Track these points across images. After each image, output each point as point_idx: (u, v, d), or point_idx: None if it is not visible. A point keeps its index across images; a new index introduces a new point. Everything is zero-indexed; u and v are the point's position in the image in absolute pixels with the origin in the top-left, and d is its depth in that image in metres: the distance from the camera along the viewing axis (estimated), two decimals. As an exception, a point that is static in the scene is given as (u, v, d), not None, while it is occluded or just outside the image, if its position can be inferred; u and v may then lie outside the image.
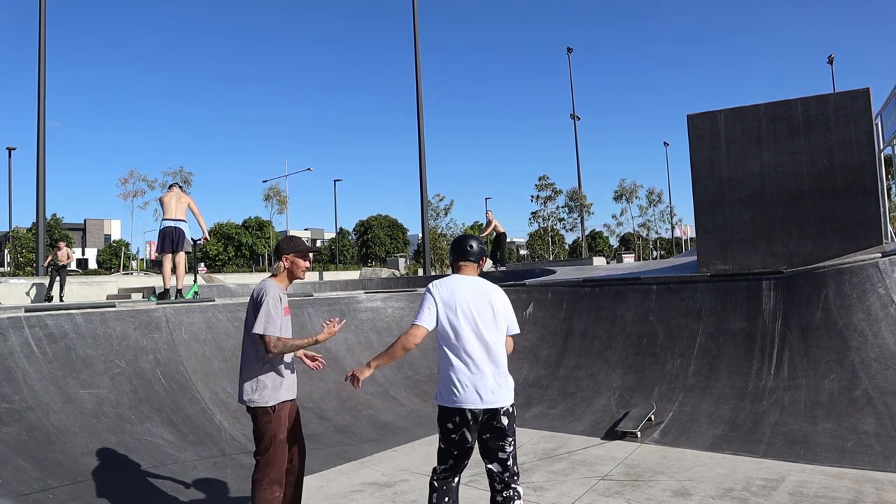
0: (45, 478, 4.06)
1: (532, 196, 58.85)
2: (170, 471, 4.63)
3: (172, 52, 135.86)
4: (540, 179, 58.39)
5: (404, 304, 8.47)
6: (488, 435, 3.07)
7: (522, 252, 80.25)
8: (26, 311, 5.48)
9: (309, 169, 57.18)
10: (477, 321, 3.12)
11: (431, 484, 3.16)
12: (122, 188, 48.58)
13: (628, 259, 46.99)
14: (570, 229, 58.89)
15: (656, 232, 67.67)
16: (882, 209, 7.95)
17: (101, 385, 5.28)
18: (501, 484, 3.09)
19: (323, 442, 5.74)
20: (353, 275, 33.77)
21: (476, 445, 3.12)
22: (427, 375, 7.57)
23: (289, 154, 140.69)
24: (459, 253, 3.38)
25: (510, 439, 3.09)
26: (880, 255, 6.36)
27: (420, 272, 30.81)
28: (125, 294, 15.72)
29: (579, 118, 53.35)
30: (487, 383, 3.05)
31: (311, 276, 34.26)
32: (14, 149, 48.76)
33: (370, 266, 48.67)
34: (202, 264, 65.45)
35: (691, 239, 62.84)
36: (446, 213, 48.54)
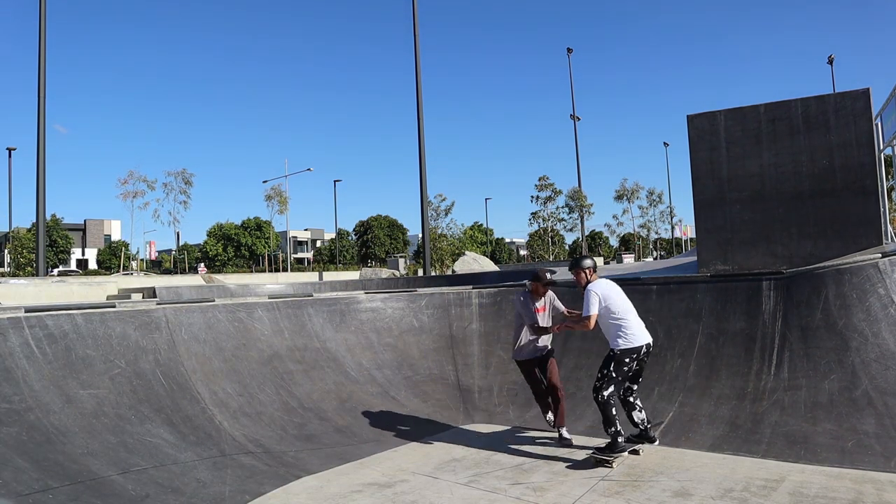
0: (45, 478, 4.06)
1: (532, 196, 58.93)
2: (170, 471, 4.63)
3: (173, 52, 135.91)
4: (540, 180, 58.49)
5: (404, 305, 8.47)
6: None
7: (522, 252, 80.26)
8: (26, 311, 5.48)
9: (309, 169, 57.24)
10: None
11: (609, 402, 4.92)
12: (122, 189, 48.70)
13: (628, 259, 46.99)
14: (570, 229, 58.91)
15: (656, 232, 67.72)
16: (882, 209, 7.94)
17: (101, 385, 5.28)
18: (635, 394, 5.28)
19: (323, 442, 5.74)
20: (353, 275, 33.76)
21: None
22: (426, 376, 7.58)
23: (289, 154, 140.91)
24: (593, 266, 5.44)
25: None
26: (880, 255, 6.36)
27: (420, 272, 30.81)
28: (125, 294, 15.72)
29: (579, 119, 53.40)
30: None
31: (311, 277, 34.26)
32: (14, 149, 48.77)
33: (370, 266, 48.69)
34: (202, 264, 65.51)
35: (691, 239, 62.85)
36: (447, 214, 48.49)
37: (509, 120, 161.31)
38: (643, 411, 5.19)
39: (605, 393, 4.86)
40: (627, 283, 7.86)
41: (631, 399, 5.16)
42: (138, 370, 5.65)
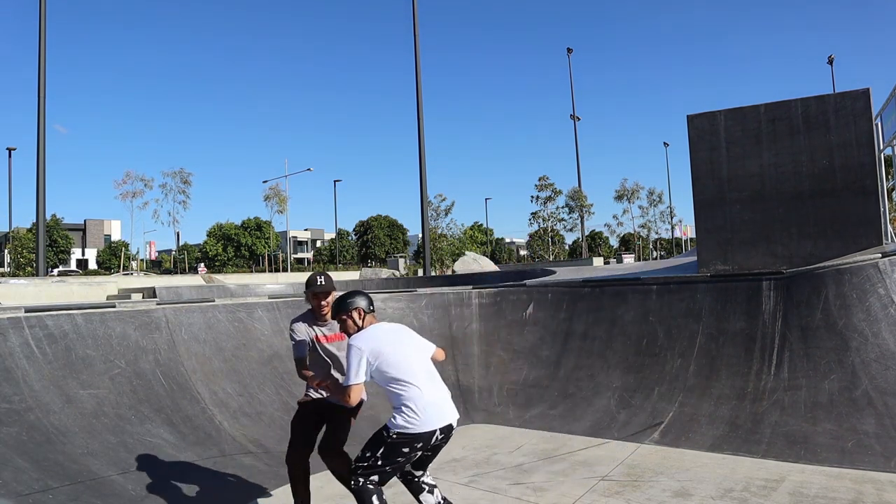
0: (45, 478, 4.06)
1: (532, 196, 58.91)
2: (170, 471, 4.63)
3: (173, 52, 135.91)
4: (540, 180, 58.47)
5: (404, 305, 8.47)
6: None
7: (522, 252, 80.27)
8: (26, 311, 5.48)
9: (309, 169, 57.26)
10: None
11: (366, 489, 3.42)
12: (121, 189, 48.73)
13: (628, 259, 47.00)
14: (570, 229, 58.91)
15: (656, 232, 67.74)
16: (882, 209, 7.94)
17: (101, 385, 5.28)
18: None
19: (323, 442, 5.73)
20: (353, 275, 33.75)
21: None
22: (427, 376, 7.57)
23: (289, 154, 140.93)
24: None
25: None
26: (880, 255, 6.36)
27: (420, 272, 30.81)
28: (125, 294, 15.72)
29: (579, 119, 53.41)
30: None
31: (311, 277, 34.16)
32: (14, 149, 48.80)
33: (370, 266, 48.68)
34: (202, 264, 65.52)
35: (691, 239, 62.86)
36: (447, 214, 48.50)
37: (509, 120, 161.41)
38: (435, 491, 3.56)
39: (362, 480, 3.40)
40: (627, 283, 7.87)
41: (418, 479, 3.56)
42: (138, 370, 5.65)
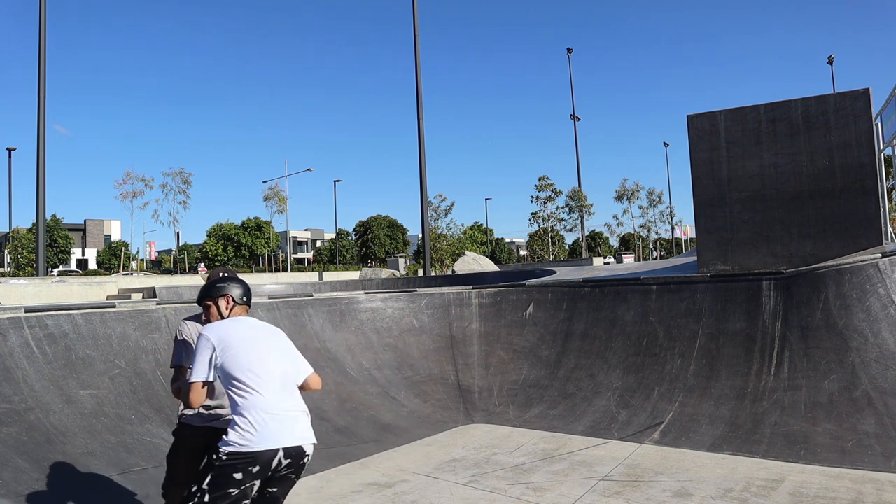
0: (45, 478, 4.06)
1: (532, 196, 58.88)
2: (170, 471, 4.63)
3: (173, 52, 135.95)
4: (540, 180, 58.43)
5: (404, 305, 8.47)
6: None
7: (522, 252, 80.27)
8: (26, 311, 5.48)
9: (309, 169, 57.24)
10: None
11: None
12: (121, 189, 48.74)
13: (628, 259, 47.00)
14: (570, 230, 58.90)
15: (656, 232, 67.74)
16: (882, 209, 7.94)
17: (101, 385, 5.28)
18: None
19: (323, 442, 5.73)
20: (352, 275, 33.76)
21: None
22: (426, 376, 7.57)
23: (289, 154, 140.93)
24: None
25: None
26: (880, 255, 6.36)
27: (420, 272, 30.81)
28: (125, 294, 15.72)
29: (579, 119, 53.40)
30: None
31: (311, 277, 34.27)
32: (14, 149, 48.79)
33: (370, 266, 48.68)
34: (202, 264, 65.52)
35: (691, 239, 62.88)
36: (447, 214, 48.48)
37: (509, 120, 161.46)
38: None
39: None
40: (627, 283, 7.88)
41: None
42: (138, 370, 5.65)
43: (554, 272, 13.17)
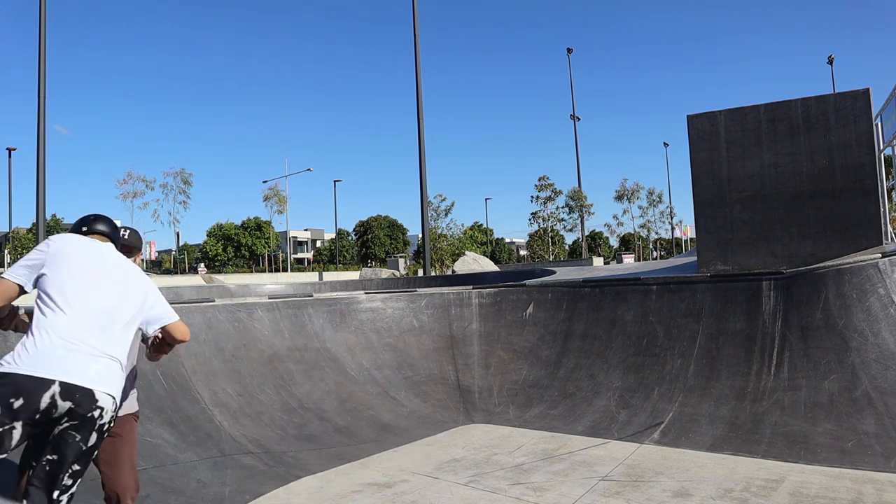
0: (45, 478, 4.06)
1: (532, 196, 58.93)
2: (170, 471, 4.63)
3: (173, 52, 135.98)
4: (540, 180, 58.51)
5: (404, 305, 8.47)
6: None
7: (522, 252, 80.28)
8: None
9: (309, 169, 57.33)
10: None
11: None
12: (121, 189, 48.78)
13: (628, 259, 47.01)
14: (570, 229, 58.93)
15: (656, 232, 67.77)
16: (882, 209, 7.94)
17: (101, 385, 5.28)
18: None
19: (323, 442, 5.74)
20: (353, 275, 33.77)
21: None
22: (427, 376, 7.58)
23: (289, 154, 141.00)
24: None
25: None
26: (880, 255, 6.36)
27: (420, 272, 30.82)
28: (125, 294, 15.70)
29: (579, 119, 53.43)
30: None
31: (311, 277, 34.27)
32: (14, 149, 48.80)
33: (370, 266, 48.69)
34: (202, 264, 65.57)
35: (691, 239, 62.89)
36: (447, 214, 48.51)
37: (509, 120, 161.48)
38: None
39: None
40: (627, 283, 7.88)
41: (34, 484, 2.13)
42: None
43: (554, 272, 13.17)
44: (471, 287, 8.96)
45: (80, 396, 2.05)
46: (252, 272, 56.50)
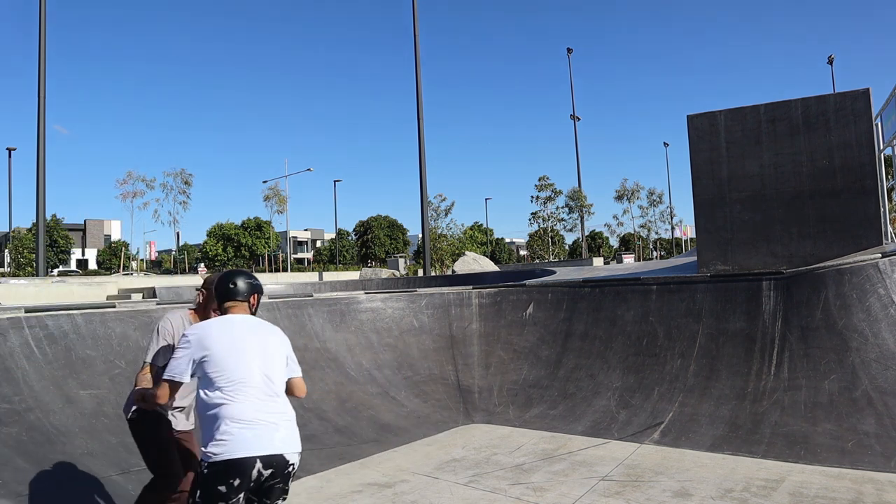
0: (46, 478, 4.06)
1: (532, 196, 58.87)
2: (170, 471, 4.63)
3: (173, 52, 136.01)
4: (540, 180, 58.42)
5: (404, 305, 8.47)
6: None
7: (522, 252, 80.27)
8: (26, 311, 5.48)
9: (309, 169, 57.24)
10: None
11: None
12: (121, 189, 48.77)
13: (628, 259, 47.01)
14: (570, 230, 58.90)
15: (656, 232, 67.75)
16: (882, 209, 7.94)
17: (101, 385, 5.28)
18: None
19: (323, 442, 5.74)
20: (352, 275, 33.76)
21: None
22: (427, 376, 7.58)
23: (289, 154, 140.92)
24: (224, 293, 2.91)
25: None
26: (880, 255, 6.36)
27: (420, 272, 30.81)
28: (125, 294, 15.72)
29: (579, 119, 53.45)
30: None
31: (311, 277, 34.28)
32: (14, 149, 48.75)
33: (370, 266, 48.67)
34: (202, 264, 65.55)
35: (691, 239, 62.89)
36: (447, 214, 48.47)
37: (509, 120, 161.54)
38: None
39: None
40: (627, 283, 7.88)
41: None
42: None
43: (554, 272, 13.17)
44: (471, 287, 8.96)
45: (277, 462, 2.56)
46: (252, 272, 56.44)
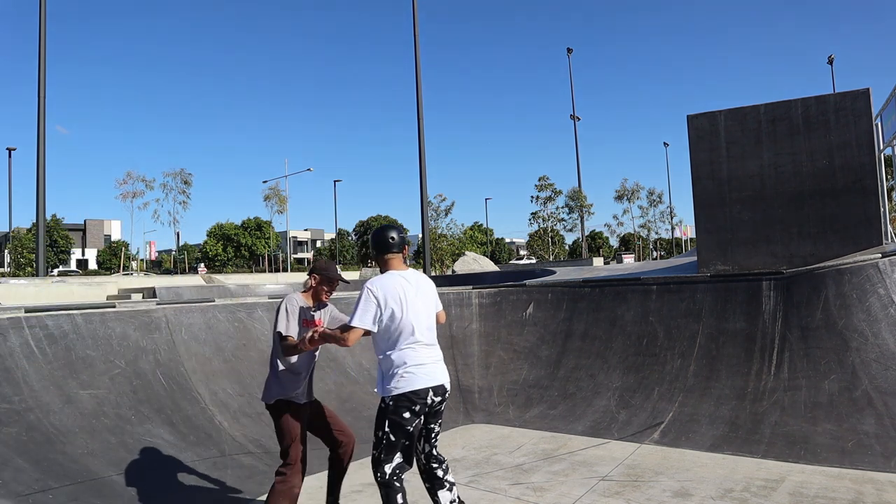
0: (45, 478, 4.06)
1: (532, 196, 58.90)
2: (170, 471, 4.63)
3: (173, 51, 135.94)
4: (540, 180, 58.45)
5: (404, 305, 8.47)
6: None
7: (522, 252, 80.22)
8: (26, 311, 5.48)
9: (309, 169, 57.34)
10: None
11: (392, 484, 3.35)
12: (121, 189, 48.76)
13: (628, 259, 47.00)
14: (570, 230, 58.91)
15: (656, 232, 67.76)
16: (882, 209, 7.94)
17: (101, 385, 5.28)
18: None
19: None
20: (353, 275, 33.73)
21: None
22: (427, 376, 7.57)
23: (289, 154, 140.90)
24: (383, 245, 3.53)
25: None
26: (880, 255, 6.36)
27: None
28: (125, 294, 15.72)
29: (579, 119, 53.45)
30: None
31: (311, 277, 34.18)
32: (14, 149, 48.75)
33: (370, 266, 48.65)
34: (202, 264, 65.55)
35: (691, 239, 62.87)
36: (447, 214, 48.48)
37: (509, 120, 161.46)
38: (454, 489, 3.53)
39: (388, 469, 3.33)
40: (627, 283, 7.88)
41: (439, 473, 3.52)
42: (138, 370, 5.65)
43: (554, 272, 13.17)
44: (471, 287, 8.96)
45: (441, 391, 3.43)
46: (252, 272, 56.48)
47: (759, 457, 4.98)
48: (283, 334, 3.71)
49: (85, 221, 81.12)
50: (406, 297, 3.34)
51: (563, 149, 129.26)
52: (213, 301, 7.13)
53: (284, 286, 16.41)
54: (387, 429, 3.30)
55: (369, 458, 5.33)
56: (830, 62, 46.99)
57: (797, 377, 5.73)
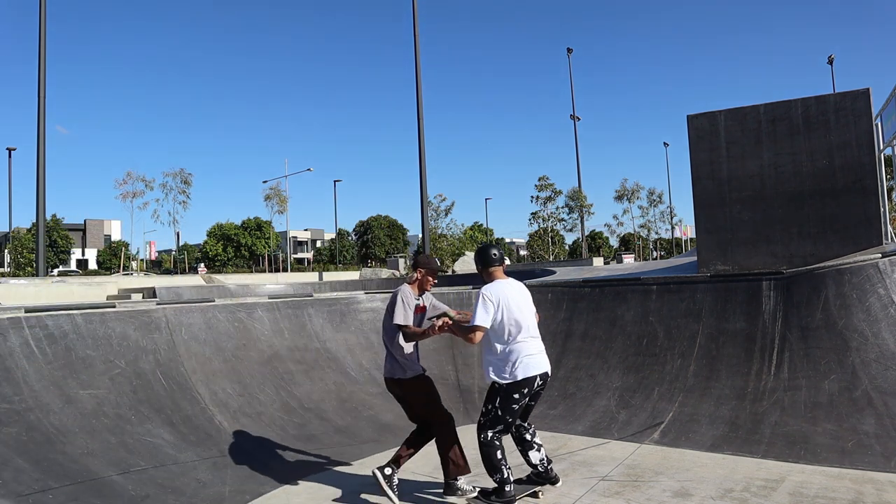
0: (45, 478, 4.06)
1: (532, 196, 58.85)
2: (170, 471, 4.63)
3: (173, 51, 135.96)
4: (540, 180, 58.39)
5: (404, 305, 8.46)
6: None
7: (522, 252, 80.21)
8: (26, 311, 5.48)
9: (309, 169, 57.32)
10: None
11: (493, 444, 4.05)
12: (121, 189, 48.74)
13: (628, 259, 47.02)
14: (570, 230, 58.88)
15: (656, 232, 67.77)
16: (882, 209, 7.94)
17: (101, 385, 5.28)
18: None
19: (323, 442, 5.74)
20: (353, 275, 33.78)
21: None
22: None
23: (289, 154, 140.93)
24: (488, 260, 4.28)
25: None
26: (880, 255, 6.36)
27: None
28: (125, 294, 15.73)
29: (579, 119, 53.46)
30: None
31: (311, 277, 34.30)
32: (14, 149, 48.75)
33: (370, 266, 48.64)
34: (202, 264, 65.53)
35: (691, 239, 62.88)
36: (447, 214, 48.47)
37: (509, 120, 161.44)
38: (542, 449, 4.36)
39: (490, 433, 4.07)
40: (627, 283, 7.88)
41: (527, 437, 4.36)
42: (138, 370, 5.65)
43: (554, 272, 13.17)
44: (471, 287, 8.96)
45: (545, 377, 4.18)
46: (252, 272, 56.47)
47: (759, 457, 4.98)
48: (402, 324, 4.30)
49: (85, 221, 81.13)
50: (515, 300, 4.09)
51: (563, 149, 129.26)
52: (213, 301, 7.13)
53: (284, 286, 16.42)
54: (497, 405, 4.05)
55: (370, 458, 5.35)
56: (830, 62, 46.99)
57: (797, 377, 5.73)
